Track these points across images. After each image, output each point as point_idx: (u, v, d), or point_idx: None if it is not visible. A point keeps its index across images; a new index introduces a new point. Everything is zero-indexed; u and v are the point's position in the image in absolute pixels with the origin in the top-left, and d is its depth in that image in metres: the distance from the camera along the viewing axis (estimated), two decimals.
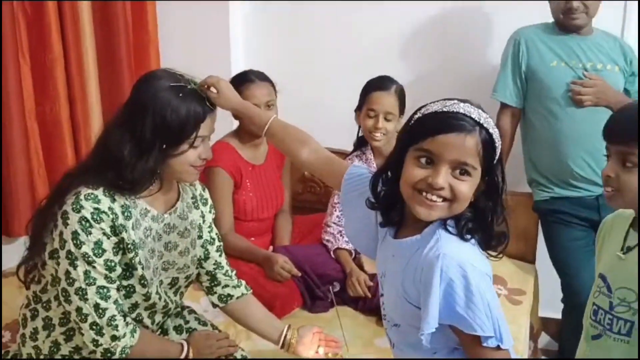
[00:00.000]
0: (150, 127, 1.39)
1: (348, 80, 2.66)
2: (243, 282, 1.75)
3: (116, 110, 1.49)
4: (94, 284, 1.38)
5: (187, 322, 1.71)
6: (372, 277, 2.10)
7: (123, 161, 1.39)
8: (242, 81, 2.22)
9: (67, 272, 1.38)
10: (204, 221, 1.65)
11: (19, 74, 2.16)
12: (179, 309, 1.73)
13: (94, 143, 1.50)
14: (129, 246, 1.42)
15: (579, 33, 2.23)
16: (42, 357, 1.50)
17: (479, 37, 2.59)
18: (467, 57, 2.62)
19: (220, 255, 1.70)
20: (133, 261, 1.43)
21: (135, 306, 1.49)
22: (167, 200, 1.54)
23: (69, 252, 1.37)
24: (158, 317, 1.59)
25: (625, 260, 1.40)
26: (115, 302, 1.41)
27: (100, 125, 2.46)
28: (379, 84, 2.19)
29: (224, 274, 1.70)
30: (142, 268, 1.45)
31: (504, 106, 2.34)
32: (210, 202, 1.69)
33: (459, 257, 1.13)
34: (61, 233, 1.38)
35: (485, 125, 1.15)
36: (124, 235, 1.40)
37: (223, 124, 2.47)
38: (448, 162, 1.13)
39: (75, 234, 1.37)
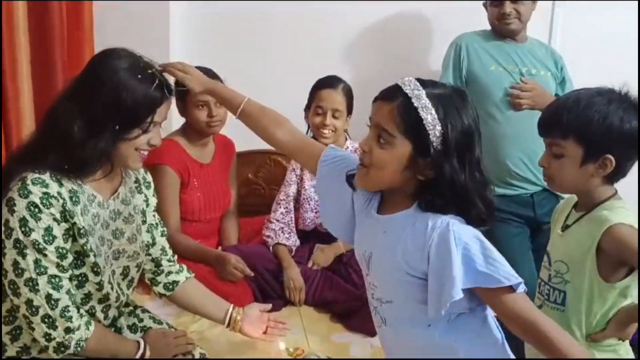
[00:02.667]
0: (104, 106, 1.34)
1: (293, 82, 2.68)
2: (184, 266, 1.71)
3: (68, 84, 1.43)
4: (45, 273, 1.30)
5: (141, 320, 1.64)
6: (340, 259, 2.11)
7: (71, 138, 1.33)
8: None
9: (16, 263, 1.29)
10: (147, 205, 1.60)
11: None
12: (131, 308, 1.66)
13: (42, 119, 1.42)
14: (81, 232, 1.34)
15: (515, 40, 2.37)
16: None
17: (420, 42, 2.69)
18: (408, 61, 2.70)
19: (165, 240, 1.66)
20: (85, 248, 1.35)
21: (88, 297, 1.41)
22: (111, 186, 1.48)
23: (17, 240, 1.29)
24: (112, 312, 1.51)
25: (563, 237, 1.52)
26: (68, 292, 1.33)
27: (33, 124, 2.35)
28: (327, 82, 2.24)
29: (168, 260, 1.66)
30: (94, 255, 1.38)
31: None
32: (153, 185, 1.64)
33: (462, 223, 1.19)
34: (7, 221, 1.29)
35: (405, 90, 1.18)
36: (75, 220, 1.33)
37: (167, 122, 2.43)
38: (373, 126, 1.23)
39: (23, 221, 1.28)
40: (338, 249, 2.20)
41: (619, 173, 1.42)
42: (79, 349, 1.35)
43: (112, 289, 1.45)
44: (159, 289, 1.65)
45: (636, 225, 1.36)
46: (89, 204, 1.39)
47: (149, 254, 1.61)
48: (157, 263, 1.63)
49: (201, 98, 2.15)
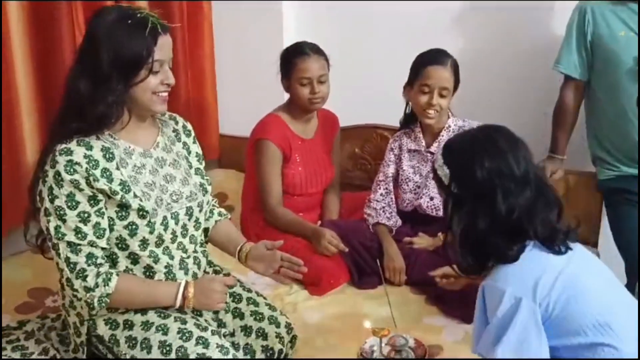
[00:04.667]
0: (105, 59, 1.38)
1: (398, 55, 2.58)
2: (215, 210, 1.75)
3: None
4: (63, 239, 1.39)
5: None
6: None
7: (81, 97, 1.39)
8: (296, 54, 2.19)
9: (47, 229, 1.41)
10: (189, 152, 1.65)
11: (74, 46, 2.19)
12: (214, 270, 1.70)
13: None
14: (119, 186, 1.42)
15: None
16: (85, 323, 1.51)
17: (540, 7, 2.46)
18: (527, 28, 2.48)
19: (210, 187, 1.70)
20: (124, 200, 1.42)
21: (144, 243, 1.48)
22: (148, 136, 1.54)
23: (46, 209, 1.40)
24: (176, 254, 1.54)
25: None
26: (88, 255, 1.41)
27: None
28: (434, 57, 2.07)
29: (209, 211, 1.72)
30: (140, 200, 1.44)
31: (567, 79, 2.23)
32: (193, 133, 1.68)
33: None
34: (40, 192, 1.41)
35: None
36: (100, 180, 1.40)
37: (272, 96, 2.48)
38: None
39: (50, 189, 1.39)
40: (438, 242, 2.11)
41: None
42: (103, 304, 1.42)
43: (165, 229, 1.50)
44: None
45: None
46: (126, 157, 1.47)
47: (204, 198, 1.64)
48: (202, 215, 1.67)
49: (304, 75, 2.16)
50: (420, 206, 2.17)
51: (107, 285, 1.42)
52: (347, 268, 2.08)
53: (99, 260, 1.43)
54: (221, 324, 1.62)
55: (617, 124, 2.13)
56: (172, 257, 1.54)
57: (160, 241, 1.50)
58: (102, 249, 1.44)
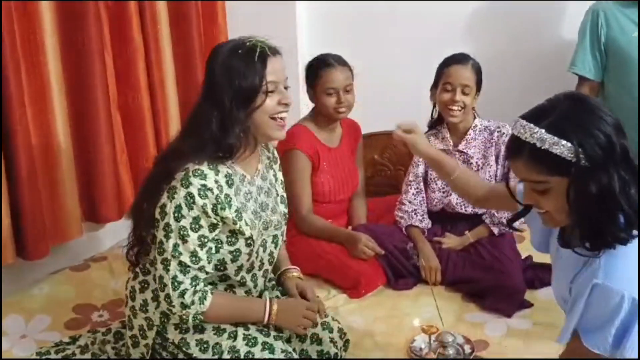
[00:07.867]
0: (225, 91, 1.45)
1: (417, 61, 2.66)
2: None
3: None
4: (178, 257, 1.43)
5: (284, 294, 1.71)
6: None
7: (214, 133, 1.45)
8: (321, 65, 2.24)
9: (160, 242, 1.44)
10: (276, 179, 1.70)
11: (103, 65, 2.23)
12: (274, 282, 1.75)
13: (187, 121, 1.57)
14: (235, 213, 1.46)
15: None
16: (153, 328, 1.55)
17: (551, 12, 2.55)
18: (539, 32, 2.58)
19: None
20: (241, 228, 1.47)
21: (240, 269, 1.54)
22: (253, 163, 1.59)
23: (167, 224, 1.43)
24: (260, 281, 1.61)
25: None
26: (194, 277, 1.45)
27: (178, 113, 2.56)
28: (456, 58, 2.18)
29: None
30: (250, 228, 1.50)
31: (582, 79, 2.32)
32: (279, 161, 1.74)
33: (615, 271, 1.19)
34: (163, 206, 1.44)
35: (525, 138, 1.18)
36: (226, 210, 1.45)
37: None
38: (523, 181, 1.27)
39: (178, 208, 1.42)
40: (466, 241, 2.19)
41: None
42: (197, 320, 1.47)
43: (256, 257, 1.56)
44: None
45: None
46: (240, 184, 1.52)
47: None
48: None
49: (331, 85, 2.21)
50: (449, 204, 2.23)
51: (203, 303, 1.47)
52: (382, 270, 2.13)
53: (200, 284, 1.47)
54: (279, 330, 1.66)
55: (631, 122, 2.22)
56: (256, 284, 1.60)
57: (251, 267, 1.56)
58: (207, 272, 1.48)
